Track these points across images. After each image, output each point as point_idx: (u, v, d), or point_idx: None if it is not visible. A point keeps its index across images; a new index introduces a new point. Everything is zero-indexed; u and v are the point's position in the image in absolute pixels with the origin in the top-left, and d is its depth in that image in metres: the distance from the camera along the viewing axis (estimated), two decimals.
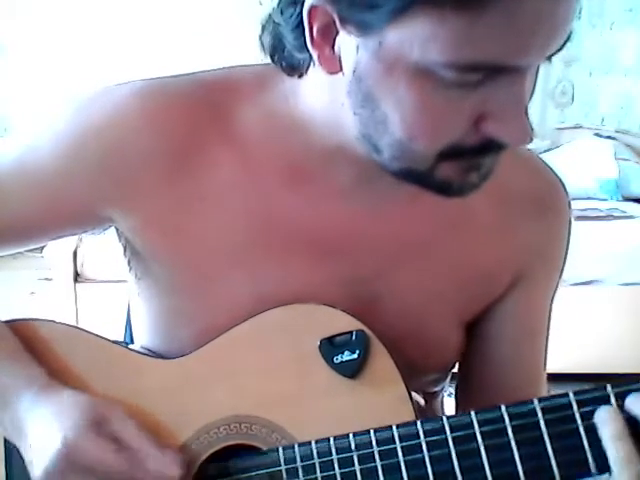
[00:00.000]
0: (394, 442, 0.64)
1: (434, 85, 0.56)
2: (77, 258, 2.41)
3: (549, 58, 0.58)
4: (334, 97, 0.63)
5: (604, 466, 0.59)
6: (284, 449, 0.67)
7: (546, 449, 0.60)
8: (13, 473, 0.73)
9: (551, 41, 0.55)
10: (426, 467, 0.63)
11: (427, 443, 0.63)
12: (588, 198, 2.82)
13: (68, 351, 0.74)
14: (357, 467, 0.65)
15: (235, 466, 0.70)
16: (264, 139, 0.71)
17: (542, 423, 0.61)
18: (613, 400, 0.60)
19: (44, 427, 0.66)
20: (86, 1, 3.22)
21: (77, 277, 2.42)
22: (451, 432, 0.63)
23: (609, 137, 3.16)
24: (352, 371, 0.68)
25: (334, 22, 0.58)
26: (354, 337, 0.68)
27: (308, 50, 0.61)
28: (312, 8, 0.58)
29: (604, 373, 2.29)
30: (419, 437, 0.63)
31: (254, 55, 0.69)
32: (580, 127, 3.32)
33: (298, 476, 0.66)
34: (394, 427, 0.64)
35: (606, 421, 0.59)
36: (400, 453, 0.64)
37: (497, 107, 0.57)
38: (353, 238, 0.72)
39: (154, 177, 0.70)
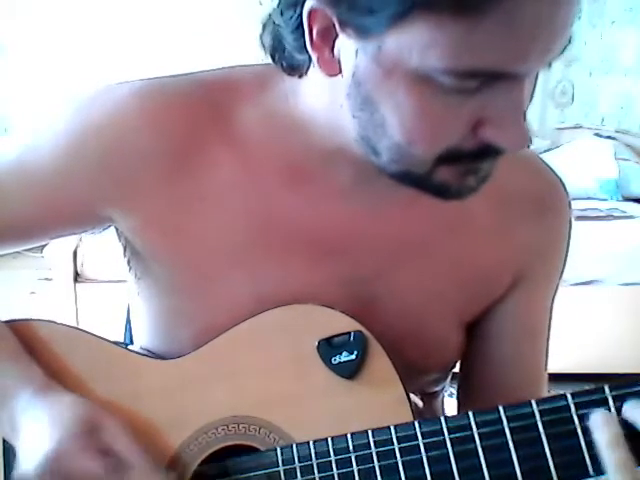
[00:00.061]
0: (392, 443, 0.64)
1: (433, 91, 0.56)
2: (77, 258, 2.41)
3: (549, 64, 0.57)
4: (334, 98, 0.63)
5: (603, 468, 0.59)
6: (282, 450, 0.67)
7: (544, 450, 0.60)
8: (12, 473, 0.73)
9: (551, 46, 0.55)
10: (424, 468, 0.63)
11: (425, 444, 0.63)
12: (588, 198, 2.81)
13: (68, 351, 0.74)
14: (355, 468, 0.65)
15: (233, 467, 0.70)
16: (264, 139, 0.71)
17: (540, 424, 0.61)
18: (611, 402, 0.60)
19: (36, 429, 0.66)
20: (86, 1, 3.22)
21: (77, 277, 2.42)
22: (449, 433, 0.63)
23: (609, 137, 3.15)
24: (350, 372, 0.68)
25: (334, 25, 0.58)
26: (352, 338, 0.68)
27: (308, 52, 0.61)
28: (312, 11, 0.58)
29: (604, 373, 2.28)
30: (417, 438, 0.63)
31: (254, 55, 0.69)
32: (580, 127, 3.31)
33: (296, 477, 0.66)
34: (392, 428, 0.64)
35: (601, 426, 0.59)
36: (398, 454, 0.64)
37: (495, 113, 0.57)
38: (353, 238, 0.72)
39: (154, 177, 0.70)
